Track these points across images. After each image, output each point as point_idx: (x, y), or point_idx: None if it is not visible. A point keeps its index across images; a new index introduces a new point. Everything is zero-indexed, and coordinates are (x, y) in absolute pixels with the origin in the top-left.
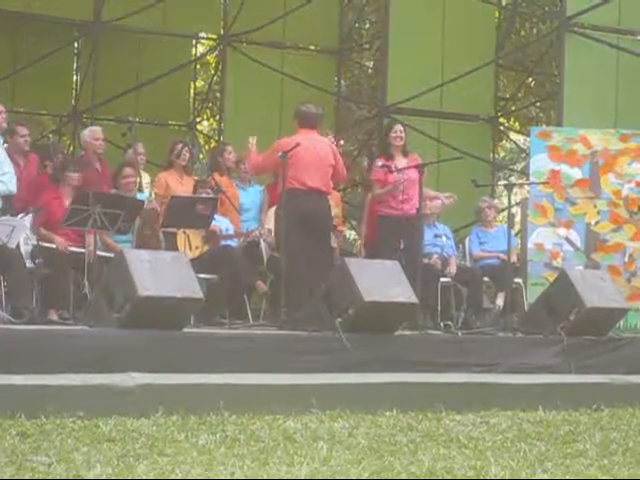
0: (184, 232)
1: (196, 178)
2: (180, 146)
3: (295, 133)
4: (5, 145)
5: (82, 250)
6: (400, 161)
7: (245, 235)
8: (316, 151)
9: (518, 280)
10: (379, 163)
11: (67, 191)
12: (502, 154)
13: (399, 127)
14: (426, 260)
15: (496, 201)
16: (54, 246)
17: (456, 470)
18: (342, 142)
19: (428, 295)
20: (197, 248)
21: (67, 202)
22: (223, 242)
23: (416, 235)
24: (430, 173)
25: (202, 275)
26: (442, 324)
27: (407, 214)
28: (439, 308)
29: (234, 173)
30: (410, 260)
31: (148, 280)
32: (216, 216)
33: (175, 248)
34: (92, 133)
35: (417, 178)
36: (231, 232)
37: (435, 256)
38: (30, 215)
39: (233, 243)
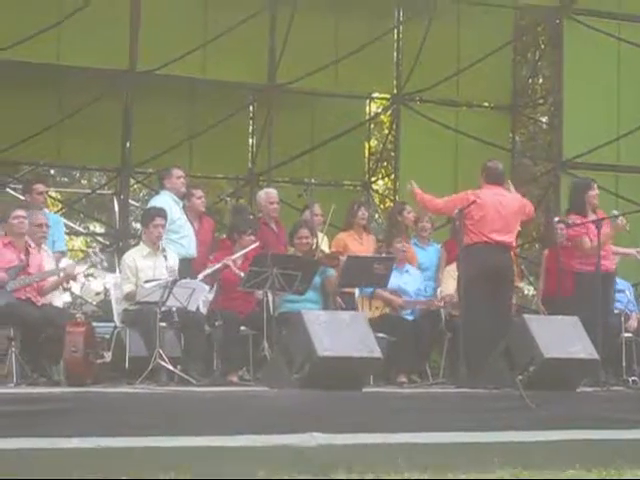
0: None
1: (374, 237)
2: (357, 206)
3: (480, 188)
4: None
5: None
6: (592, 218)
7: (428, 304)
8: (501, 205)
9: None
10: (555, 219)
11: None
12: None
13: (596, 185)
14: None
15: None
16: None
17: None
18: None
19: (610, 350)
20: (377, 308)
21: (239, 263)
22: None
23: (609, 291)
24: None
25: (380, 334)
26: (630, 380)
27: (606, 270)
28: (624, 364)
29: (412, 232)
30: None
31: (326, 340)
32: (410, 268)
33: (355, 308)
34: (267, 196)
35: (608, 233)
36: (422, 288)
37: (616, 311)
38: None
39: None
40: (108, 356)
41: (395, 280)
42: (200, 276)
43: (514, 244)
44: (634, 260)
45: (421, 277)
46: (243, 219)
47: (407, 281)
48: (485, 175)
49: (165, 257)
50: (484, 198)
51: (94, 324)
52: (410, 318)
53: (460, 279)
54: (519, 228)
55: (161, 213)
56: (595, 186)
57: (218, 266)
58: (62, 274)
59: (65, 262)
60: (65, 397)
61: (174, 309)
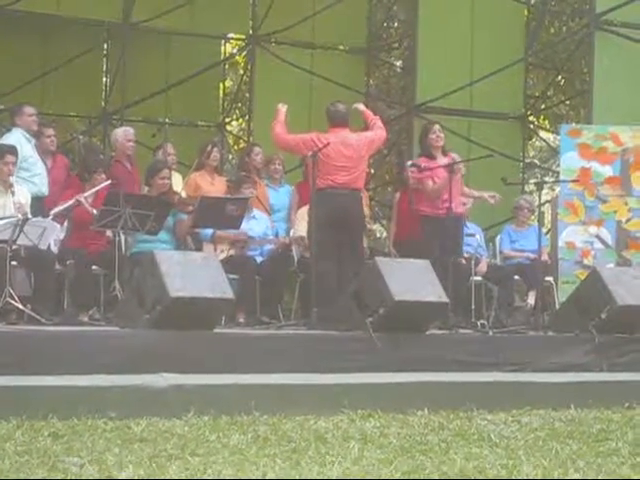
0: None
1: (227, 179)
2: (210, 147)
3: (327, 132)
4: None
5: None
6: (441, 160)
7: (276, 242)
8: (347, 148)
9: (549, 278)
10: (408, 163)
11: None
12: (532, 153)
13: (437, 127)
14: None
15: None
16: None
17: (488, 469)
18: None
19: (460, 294)
20: (222, 252)
21: (90, 202)
22: (251, 248)
23: (458, 235)
24: None
25: (231, 275)
26: (479, 323)
27: (452, 213)
28: (473, 307)
29: (264, 173)
30: (449, 259)
31: (179, 281)
32: (257, 213)
33: (200, 250)
34: (125, 134)
35: (456, 178)
36: (269, 233)
37: (467, 255)
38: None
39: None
40: None
41: (242, 225)
42: (51, 213)
43: (362, 186)
44: (485, 204)
45: (267, 221)
46: (94, 158)
47: (252, 226)
48: (328, 119)
49: (13, 193)
50: (332, 143)
51: None
52: (260, 259)
53: (310, 223)
54: (368, 170)
55: (11, 150)
56: (435, 129)
57: (70, 203)
58: None
59: None
60: None
61: (24, 248)
